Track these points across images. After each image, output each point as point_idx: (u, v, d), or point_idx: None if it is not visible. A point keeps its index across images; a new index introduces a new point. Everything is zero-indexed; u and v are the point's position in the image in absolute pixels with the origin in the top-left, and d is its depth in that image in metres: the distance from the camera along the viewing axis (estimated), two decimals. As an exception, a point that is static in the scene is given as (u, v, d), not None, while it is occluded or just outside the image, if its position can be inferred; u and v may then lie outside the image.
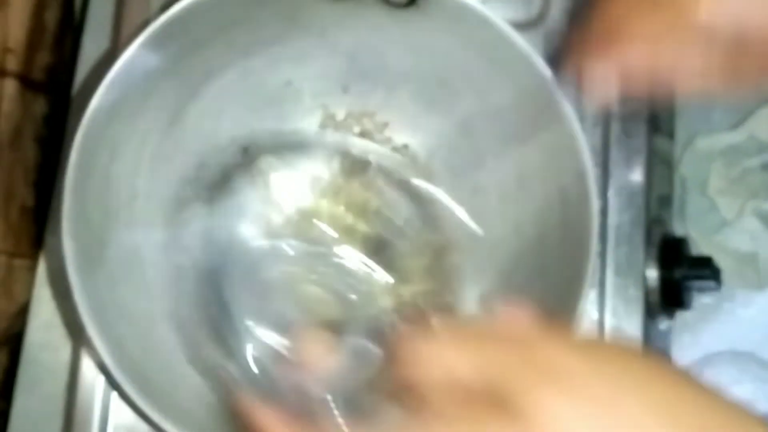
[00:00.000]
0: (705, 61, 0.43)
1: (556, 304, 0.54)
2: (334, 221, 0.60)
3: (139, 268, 0.57)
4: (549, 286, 0.55)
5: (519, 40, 0.53)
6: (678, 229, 0.67)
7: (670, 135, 0.68)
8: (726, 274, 0.63)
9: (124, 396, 0.53)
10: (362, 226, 0.60)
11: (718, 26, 0.40)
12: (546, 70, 0.53)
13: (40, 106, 0.68)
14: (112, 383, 0.57)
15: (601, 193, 0.58)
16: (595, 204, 0.53)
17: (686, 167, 0.73)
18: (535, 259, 0.57)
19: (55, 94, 0.69)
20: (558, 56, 0.53)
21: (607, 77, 0.48)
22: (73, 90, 0.66)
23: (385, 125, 0.62)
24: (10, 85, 0.65)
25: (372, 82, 0.60)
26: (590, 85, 0.49)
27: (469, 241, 0.60)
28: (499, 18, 0.53)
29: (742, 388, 0.71)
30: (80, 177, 0.52)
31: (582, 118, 0.54)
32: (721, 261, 0.62)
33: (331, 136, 0.62)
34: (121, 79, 0.53)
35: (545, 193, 0.56)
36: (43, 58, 0.68)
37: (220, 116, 0.60)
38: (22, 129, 0.67)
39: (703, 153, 0.73)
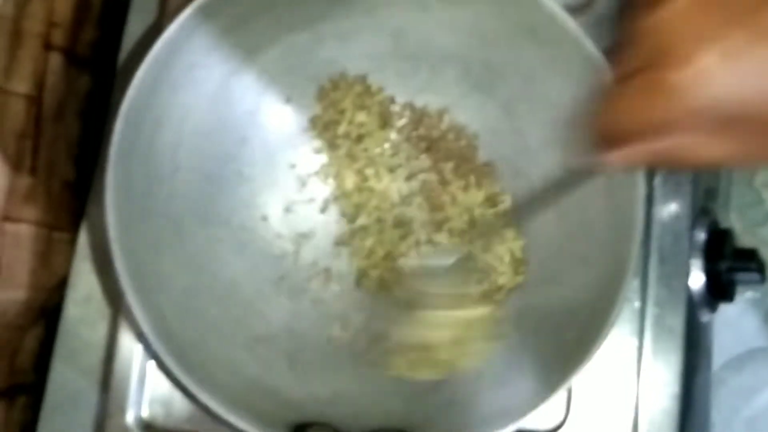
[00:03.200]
0: (710, 139, 0.42)
1: (599, 290, 0.53)
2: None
3: (179, 240, 0.57)
4: (592, 272, 0.54)
5: (570, 22, 0.52)
6: (723, 222, 0.66)
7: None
8: (770, 269, 0.62)
9: (161, 365, 0.53)
10: None
11: (710, 106, 0.40)
12: (596, 54, 0.53)
13: (84, 81, 0.69)
14: (150, 352, 0.57)
15: (647, 182, 0.57)
16: (642, 189, 0.52)
17: (733, 159, 0.72)
18: (578, 245, 0.56)
19: (99, 70, 0.69)
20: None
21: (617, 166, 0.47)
22: (118, 66, 0.66)
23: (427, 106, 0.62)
24: (56, 60, 0.65)
25: (416, 62, 0.60)
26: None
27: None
28: (550, 0, 0.53)
29: (784, 385, 0.70)
30: (125, 146, 0.52)
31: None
32: (765, 255, 0.61)
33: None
34: (167, 51, 0.53)
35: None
36: (89, 34, 0.69)
37: (263, 92, 0.59)
38: (66, 103, 0.67)
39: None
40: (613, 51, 0.44)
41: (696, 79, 0.39)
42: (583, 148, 0.46)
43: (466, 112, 0.61)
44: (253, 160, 0.61)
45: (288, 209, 0.62)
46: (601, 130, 0.43)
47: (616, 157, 0.43)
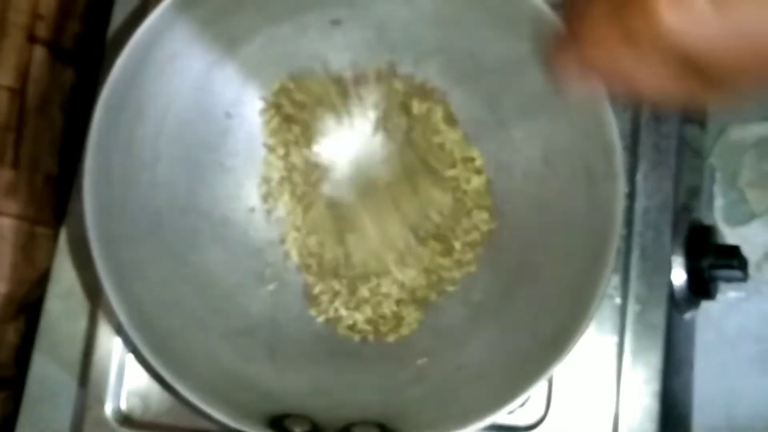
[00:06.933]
0: (659, 72, 0.42)
1: (579, 284, 0.53)
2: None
3: (159, 230, 0.57)
4: (572, 266, 0.54)
5: (550, 15, 0.52)
6: (706, 220, 0.66)
7: (702, 125, 0.67)
8: (753, 269, 0.62)
9: (139, 357, 0.53)
10: None
11: (674, 41, 0.40)
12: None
13: (68, 75, 0.69)
14: (129, 345, 0.57)
15: (629, 177, 0.57)
16: (622, 182, 0.52)
17: (717, 158, 0.72)
18: (558, 238, 0.56)
19: (84, 64, 0.69)
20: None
21: (574, 75, 0.48)
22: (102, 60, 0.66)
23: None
24: (40, 52, 0.65)
25: (400, 55, 0.60)
26: (564, 79, 0.48)
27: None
28: (531, -7, 0.52)
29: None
30: (104, 134, 0.52)
31: (612, 101, 0.53)
32: (748, 254, 0.61)
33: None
34: (148, 40, 0.53)
35: (571, 172, 0.55)
36: (73, 27, 0.69)
37: (245, 83, 0.59)
38: (50, 97, 0.67)
39: (735, 144, 0.71)
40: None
41: (686, 19, 0.39)
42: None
43: (449, 103, 0.61)
44: (235, 150, 0.60)
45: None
46: (577, 32, 0.44)
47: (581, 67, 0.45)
